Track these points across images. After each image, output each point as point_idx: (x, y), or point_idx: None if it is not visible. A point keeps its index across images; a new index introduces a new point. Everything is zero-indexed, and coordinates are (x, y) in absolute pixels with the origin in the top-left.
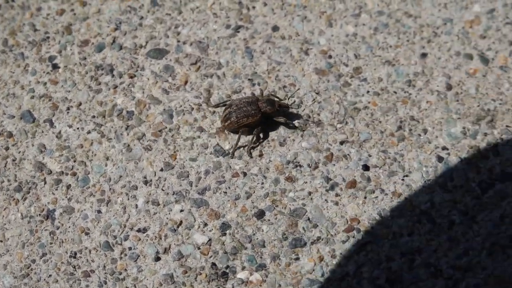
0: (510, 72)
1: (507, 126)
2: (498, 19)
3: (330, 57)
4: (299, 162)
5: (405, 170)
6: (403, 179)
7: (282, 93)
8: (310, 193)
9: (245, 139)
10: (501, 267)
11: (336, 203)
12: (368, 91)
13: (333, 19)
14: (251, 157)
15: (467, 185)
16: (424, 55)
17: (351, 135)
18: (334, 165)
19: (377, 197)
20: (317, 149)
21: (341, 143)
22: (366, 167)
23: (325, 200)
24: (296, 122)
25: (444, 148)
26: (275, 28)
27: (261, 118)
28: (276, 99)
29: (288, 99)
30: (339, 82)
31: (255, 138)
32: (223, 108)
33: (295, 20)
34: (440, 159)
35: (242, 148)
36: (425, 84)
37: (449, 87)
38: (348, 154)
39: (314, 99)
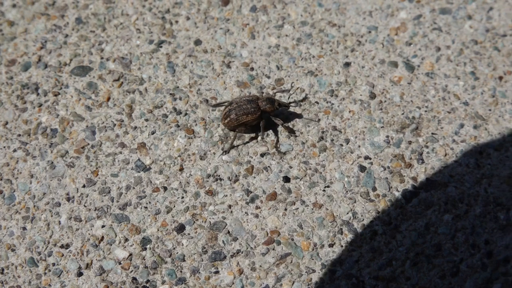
0: (437, 79)
1: (432, 133)
2: (425, 25)
3: (252, 69)
4: (219, 176)
5: (327, 180)
6: (324, 190)
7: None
8: (230, 206)
9: (239, 141)
10: (426, 277)
11: (256, 216)
12: (290, 103)
13: (255, 31)
14: (280, 152)
15: (390, 195)
16: (347, 65)
17: (272, 147)
18: (254, 177)
19: (297, 208)
20: (238, 162)
21: (262, 155)
22: (286, 179)
23: (245, 212)
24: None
25: (366, 158)
26: (198, 42)
27: (261, 116)
28: (276, 98)
29: (289, 98)
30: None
31: (263, 129)
32: (223, 107)
33: (218, 33)
34: (362, 168)
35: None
36: (348, 94)
37: (372, 96)
38: (269, 166)
39: None
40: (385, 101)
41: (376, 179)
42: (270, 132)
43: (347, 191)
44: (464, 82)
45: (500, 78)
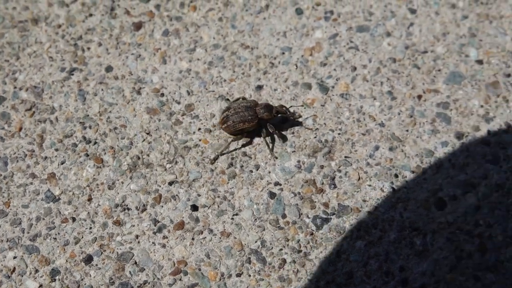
0: (352, 100)
1: (345, 157)
2: (341, 44)
3: (162, 95)
4: (127, 205)
5: (235, 208)
6: (232, 218)
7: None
8: (137, 236)
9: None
10: None
11: (164, 246)
12: (199, 128)
13: (167, 55)
14: (275, 157)
15: (300, 221)
16: (259, 87)
17: (181, 175)
18: (162, 206)
19: (205, 237)
20: (146, 191)
21: (170, 183)
22: (194, 207)
23: (152, 243)
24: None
25: (276, 184)
26: (109, 69)
27: (258, 124)
28: (275, 105)
29: (289, 107)
30: (171, 120)
31: (269, 140)
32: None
33: (129, 59)
34: (272, 195)
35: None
36: None
37: (284, 120)
38: (177, 195)
39: (144, 139)
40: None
41: (286, 206)
42: (179, 159)
43: (255, 219)
44: (381, 103)
45: (419, 97)
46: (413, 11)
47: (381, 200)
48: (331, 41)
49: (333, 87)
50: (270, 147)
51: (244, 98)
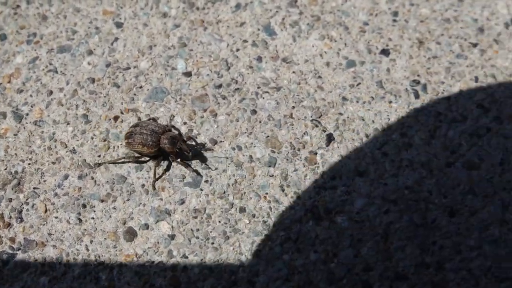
0: (45, 126)
1: (34, 188)
2: (40, 67)
3: None
4: None
5: None
6: None
7: None
8: None
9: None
10: None
11: None
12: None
13: None
14: (154, 189)
15: None
16: None
17: None
18: None
19: None
20: None
21: None
22: None
23: None
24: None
25: None
26: None
27: (158, 152)
28: (181, 139)
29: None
30: None
31: (153, 172)
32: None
33: None
34: None
35: None
36: None
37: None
38: None
39: None
40: None
41: None
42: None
43: None
44: (74, 127)
45: (116, 118)
46: (119, 25)
47: (67, 233)
48: (30, 65)
49: (27, 114)
50: (156, 177)
51: (154, 120)
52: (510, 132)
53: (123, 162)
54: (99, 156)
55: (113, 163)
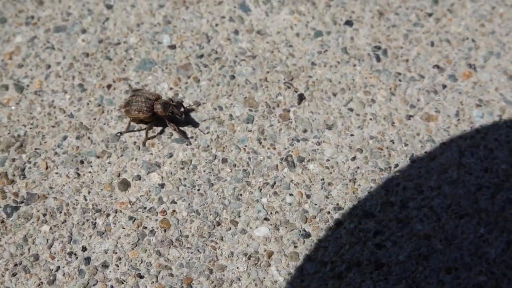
0: (44, 96)
1: (36, 149)
2: (39, 45)
3: None
4: None
5: None
6: None
7: None
8: None
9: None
10: (25, 287)
11: None
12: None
13: None
14: (144, 145)
15: None
16: None
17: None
18: None
19: None
20: None
21: None
22: None
23: None
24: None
25: None
26: None
27: (153, 117)
28: (173, 104)
29: (187, 107)
30: None
31: (145, 133)
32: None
33: None
34: None
35: None
36: None
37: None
38: None
39: None
40: None
41: None
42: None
43: None
44: (71, 95)
45: (109, 86)
46: (109, 7)
47: (67, 186)
48: (29, 43)
49: (28, 85)
50: (147, 137)
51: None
52: (464, 88)
53: (138, 130)
54: (95, 119)
55: (129, 131)
